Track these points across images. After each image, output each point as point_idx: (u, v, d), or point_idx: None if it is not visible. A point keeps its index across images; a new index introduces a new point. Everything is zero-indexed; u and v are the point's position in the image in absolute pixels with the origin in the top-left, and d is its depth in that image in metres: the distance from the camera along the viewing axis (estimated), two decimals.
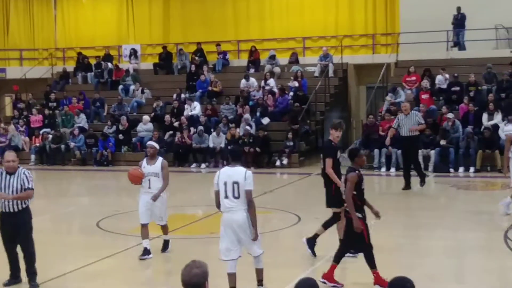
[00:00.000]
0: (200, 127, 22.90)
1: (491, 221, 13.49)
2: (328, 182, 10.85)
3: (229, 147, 21.84)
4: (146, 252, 10.43)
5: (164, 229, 10.93)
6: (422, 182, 17.14)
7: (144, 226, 10.59)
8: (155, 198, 10.29)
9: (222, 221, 8.52)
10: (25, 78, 28.65)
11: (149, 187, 10.50)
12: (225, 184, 8.37)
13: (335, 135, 10.72)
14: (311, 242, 10.78)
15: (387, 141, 18.35)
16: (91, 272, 10.17)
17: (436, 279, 9.40)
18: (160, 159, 10.75)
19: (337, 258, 9.16)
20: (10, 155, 8.82)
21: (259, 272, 8.79)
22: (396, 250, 11.61)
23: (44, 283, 9.27)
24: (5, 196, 8.53)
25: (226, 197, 8.37)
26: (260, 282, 8.75)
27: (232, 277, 8.50)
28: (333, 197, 10.64)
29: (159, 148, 11.68)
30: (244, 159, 21.67)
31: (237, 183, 8.29)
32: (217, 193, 8.50)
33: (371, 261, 8.91)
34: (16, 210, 8.64)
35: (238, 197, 8.32)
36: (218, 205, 8.56)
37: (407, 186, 17.30)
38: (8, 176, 8.65)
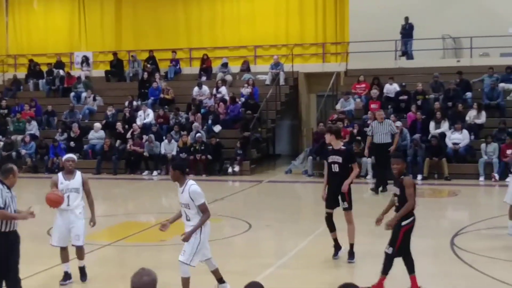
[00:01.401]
0: (151, 135, 22.77)
1: (438, 227, 13.66)
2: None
3: (180, 155, 21.80)
4: (67, 276, 9.61)
5: (79, 252, 9.74)
6: (384, 189, 17.68)
7: (64, 249, 9.63)
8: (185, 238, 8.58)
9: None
10: None
11: (68, 205, 9.42)
12: None
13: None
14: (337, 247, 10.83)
15: (366, 152, 18.71)
16: (41, 282, 9.97)
17: (386, 283, 9.41)
18: (78, 173, 9.77)
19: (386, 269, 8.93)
20: None
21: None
22: (346, 258, 11.64)
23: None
24: None
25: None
26: None
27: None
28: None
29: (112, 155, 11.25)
30: (196, 166, 21.70)
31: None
32: None
33: (387, 268, 8.88)
34: None
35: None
36: None
37: (377, 187, 17.92)
38: None
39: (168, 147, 22.37)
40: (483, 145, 19.91)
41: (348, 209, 10.64)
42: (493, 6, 24.84)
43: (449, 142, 20.34)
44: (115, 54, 28.05)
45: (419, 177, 19.96)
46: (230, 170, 21.87)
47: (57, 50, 29.31)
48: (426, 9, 25.13)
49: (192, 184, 8.41)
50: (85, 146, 23.70)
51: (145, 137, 22.93)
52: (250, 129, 22.81)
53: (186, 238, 8.41)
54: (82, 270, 9.75)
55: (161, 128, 23.47)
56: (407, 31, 25.06)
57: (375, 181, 18.40)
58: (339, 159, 10.46)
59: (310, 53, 27.27)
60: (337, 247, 10.78)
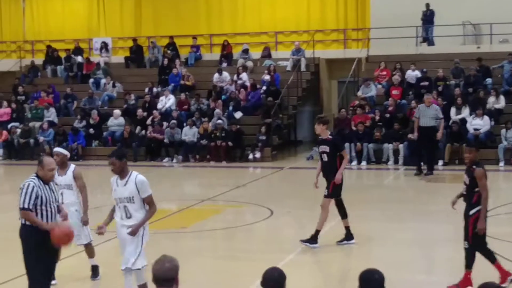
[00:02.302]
0: (173, 121, 22.86)
1: (459, 213, 13.72)
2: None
3: (201, 141, 21.93)
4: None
5: (87, 250, 9.37)
6: (430, 172, 18.23)
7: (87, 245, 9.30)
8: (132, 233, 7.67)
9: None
10: None
11: (62, 202, 8.60)
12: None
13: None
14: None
15: (415, 135, 18.67)
16: (63, 267, 10.15)
17: (406, 269, 9.56)
18: (72, 167, 9.15)
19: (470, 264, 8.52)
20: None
21: None
22: (369, 241, 11.76)
23: (9, 281, 9.23)
24: None
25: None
26: None
27: None
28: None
29: (67, 154, 9.54)
30: (216, 153, 21.85)
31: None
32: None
33: (470, 262, 8.48)
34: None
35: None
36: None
37: (419, 171, 18.43)
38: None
39: (190, 132, 22.43)
40: (503, 131, 19.95)
41: (328, 196, 10.79)
42: None
43: (470, 127, 20.34)
44: (134, 40, 28.07)
45: (440, 162, 20.00)
46: (251, 156, 21.91)
47: (76, 36, 29.28)
48: None
49: (137, 174, 7.64)
50: (105, 133, 23.76)
51: (165, 123, 23.09)
52: (272, 115, 22.86)
53: (133, 231, 7.55)
54: (93, 269, 9.39)
55: (181, 114, 23.57)
56: (428, 17, 25.01)
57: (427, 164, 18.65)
58: (326, 148, 10.75)
59: (331, 39, 27.24)
60: (349, 236, 10.97)
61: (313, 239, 10.65)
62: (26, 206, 6.93)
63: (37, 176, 7.09)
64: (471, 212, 8.39)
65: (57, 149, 9.39)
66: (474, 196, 8.35)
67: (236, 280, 9.45)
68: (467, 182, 8.45)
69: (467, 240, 8.42)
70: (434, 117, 18.31)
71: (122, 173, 7.59)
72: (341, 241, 10.88)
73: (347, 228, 10.89)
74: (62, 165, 9.00)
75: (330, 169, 10.71)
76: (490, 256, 8.55)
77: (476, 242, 8.38)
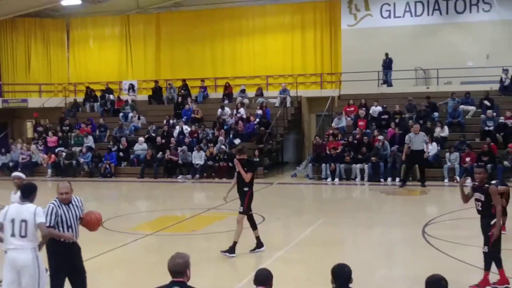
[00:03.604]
0: (185, 146, 22.91)
1: (413, 220, 13.70)
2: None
3: (207, 162, 21.86)
4: None
5: None
6: (423, 184, 18.48)
7: None
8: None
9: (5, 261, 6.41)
10: (43, 107, 28.39)
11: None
12: (13, 221, 6.33)
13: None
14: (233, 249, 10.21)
15: (403, 157, 18.96)
16: (97, 263, 10.13)
17: (372, 266, 9.54)
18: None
19: (488, 266, 8.09)
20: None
21: None
22: (342, 242, 11.76)
23: None
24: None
25: (13, 235, 6.32)
26: None
27: None
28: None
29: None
30: (220, 172, 21.81)
31: (25, 221, 6.31)
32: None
33: (489, 263, 8.07)
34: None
35: (25, 236, 6.32)
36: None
37: (404, 184, 18.77)
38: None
39: (198, 156, 22.45)
40: (447, 154, 19.96)
41: (242, 213, 10.20)
42: (455, 44, 24.95)
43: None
44: (155, 82, 28.13)
45: (397, 179, 19.98)
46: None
47: (109, 79, 29.28)
48: (402, 47, 25.21)
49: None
50: (131, 156, 23.68)
51: (179, 148, 23.09)
52: (263, 141, 22.87)
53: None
54: None
55: (192, 141, 23.60)
56: (387, 64, 25.13)
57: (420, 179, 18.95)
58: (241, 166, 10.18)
59: (311, 81, 27.31)
60: (259, 244, 10.41)
61: (231, 250, 10.11)
62: (48, 224, 6.47)
63: (57, 198, 6.69)
64: (492, 222, 7.89)
65: (16, 174, 8.57)
66: (492, 209, 7.89)
67: (236, 272, 9.44)
68: (482, 199, 7.96)
69: (487, 245, 7.95)
70: (423, 141, 18.69)
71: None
72: (253, 249, 10.34)
73: (258, 238, 10.35)
74: (18, 186, 8.03)
75: (242, 183, 10.19)
76: (500, 261, 8.06)
77: (494, 247, 7.94)
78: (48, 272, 6.72)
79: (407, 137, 18.97)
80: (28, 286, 6.25)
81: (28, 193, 6.48)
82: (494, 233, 7.88)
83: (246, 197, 10.16)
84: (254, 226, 10.39)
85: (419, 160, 18.86)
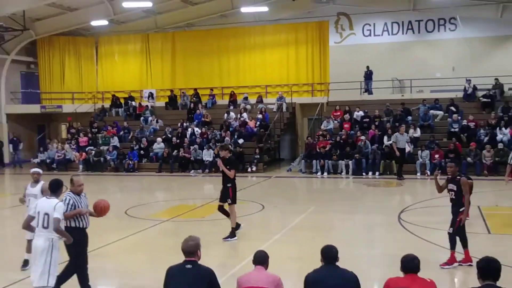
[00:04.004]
0: (196, 145, 22.92)
1: (390, 208, 13.73)
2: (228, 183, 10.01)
3: (216, 159, 21.87)
4: (25, 263, 8.17)
5: (29, 246, 7.77)
6: (401, 177, 18.44)
7: (29, 242, 7.68)
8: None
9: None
10: (75, 112, 28.39)
11: (27, 206, 7.98)
12: (39, 214, 6.24)
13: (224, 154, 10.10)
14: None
15: (397, 153, 18.75)
16: (122, 245, 10.16)
17: (355, 246, 9.55)
18: (41, 182, 8.15)
19: (464, 243, 8.05)
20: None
21: None
22: (330, 226, 11.77)
23: (90, 251, 9.17)
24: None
25: (38, 225, 6.25)
26: None
27: None
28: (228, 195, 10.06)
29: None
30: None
31: (47, 214, 6.17)
32: (29, 218, 6.42)
33: (453, 243, 8.00)
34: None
35: (47, 227, 6.17)
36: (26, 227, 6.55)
37: (400, 177, 18.49)
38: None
39: (207, 154, 22.47)
40: (419, 152, 19.97)
41: (231, 203, 10.01)
42: (425, 58, 24.99)
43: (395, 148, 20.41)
44: (171, 91, 28.09)
45: (377, 173, 20.01)
46: (249, 169, 21.88)
47: (131, 88, 29.21)
48: (380, 61, 25.21)
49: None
50: (151, 153, 23.65)
51: (191, 147, 23.10)
52: (263, 141, 22.91)
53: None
54: (25, 261, 8.17)
55: (202, 141, 23.61)
56: (368, 75, 25.13)
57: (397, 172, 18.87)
58: (226, 165, 10.03)
59: (303, 90, 27.26)
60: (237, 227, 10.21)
61: (231, 235, 10.06)
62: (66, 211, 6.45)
63: (71, 191, 6.70)
64: (460, 209, 7.88)
65: (34, 169, 8.41)
66: (462, 198, 7.84)
67: (239, 253, 9.44)
68: (455, 189, 7.91)
69: (452, 227, 7.92)
70: (406, 141, 18.80)
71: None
72: (226, 237, 10.06)
73: (233, 228, 10.11)
74: (36, 180, 8.20)
75: (226, 180, 9.99)
76: (465, 242, 8.04)
77: (458, 230, 7.93)
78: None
79: (393, 136, 18.93)
80: (37, 269, 6.12)
81: (56, 188, 6.39)
82: (462, 218, 7.88)
83: (230, 191, 10.00)
84: (228, 215, 10.19)
85: (402, 156, 18.80)
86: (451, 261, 8.01)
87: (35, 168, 8.62)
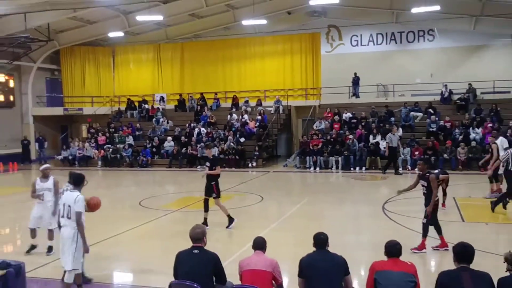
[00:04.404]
0: (202, 144, 22.90)
1: (375, 199, 13.74)
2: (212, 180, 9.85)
3: (220, 156, 21.86)
4: (32, 247, 8.27)
5: (50, 234, 8.10)
6: (384, 172, 18.34)
7: (32, 231, 8.24)
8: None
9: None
10: (95, 114, 28.38)
11: (42, 199, 8.12)
12: (64, 205, 6.23)
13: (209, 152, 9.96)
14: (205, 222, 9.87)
15: (386, 152, 18.78)
16: (136, 233, 10.15)
17: (344, 233, 9.54)
18: (52, 177, 8.25)
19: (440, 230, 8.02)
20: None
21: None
22: (322, 215, 11.77)
23: (105, 240, 9.19)
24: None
25: (63, 216, 6.23)
26: None
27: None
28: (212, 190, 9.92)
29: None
30: (229, 163, 21.79)
31: (70, 206, 6.17)
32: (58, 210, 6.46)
33: (425, 231, 7.96)
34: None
35: (70, 218, 6.16)
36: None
37: (397, 172, 18.36)
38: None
39: (213, 151, 22.34)
40: (401, 149, 19.95)
41: (216, 197, 9.87)
42: (407, 66, 25.07)
43: (381, 147, 20.43)
44: (180, 95, 28.05)
45: (364, 168, 20.00)
46: (250, 165, 21.88)
47: (144, 92, 29.24)
48: (366, 68, 25.29)
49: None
50: (162, 151, 23.64)
51: (198, 145, 23.07)
52: (262, 140, 22.89)
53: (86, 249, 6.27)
54: (49, 248, 8.16)
55: (208, 139, 23.59)
56: (355, 80, 25.15)
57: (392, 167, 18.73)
58: (208, 163, 9.98)
59: (298, 94, 27.23)
60: (205, 223, 9.82)
61: (230, 222, 10.00)
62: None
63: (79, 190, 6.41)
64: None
65: (45, 166, 8.43)
66: (431, 193, 7.84)
67: (241, 239, 9.43)
68: (425, 185, 7.89)
69: (426, 218, 7.90)
70: (397, 140, 18.58)
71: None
72: (205, 223, 9.72)
73: (206, 219, 9.93)
74: (46, 176, 8.23)
75: (210, 178, 9.84)
76: (439, 230, 8.05)
77: (432, 219, 7.94)
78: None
79: (387, 137, 18.83)
80: (65, 255, 6.13)
81: (79, 182, 6.32)
82: (428, 210, 7.90)
83: (213, 188, 9.88)
84: (207, 208, 10.03)
85: (393, 154, 18.61)
86: (421, 247, 8.01)
87: (45, 164, 8.56)
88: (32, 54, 26.37)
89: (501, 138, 13.09)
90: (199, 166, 22.40)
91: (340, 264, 4.78)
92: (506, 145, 13.15)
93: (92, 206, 6.75)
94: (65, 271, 6.21)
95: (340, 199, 13.90)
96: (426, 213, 7.98)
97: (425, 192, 8.01)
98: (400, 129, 21.33)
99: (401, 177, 18.82)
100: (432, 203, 7.89)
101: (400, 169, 19.52)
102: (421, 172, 8.07)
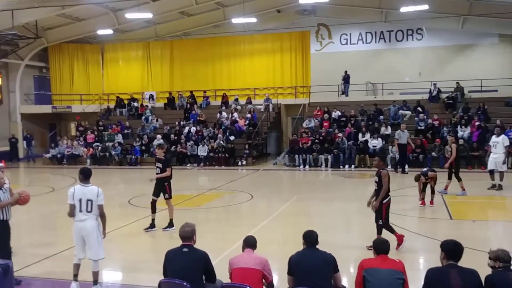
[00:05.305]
0: (192, 142, 22.84)
1: (364, 196, 13.73)
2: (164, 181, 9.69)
3: (210, 154, 21.81)
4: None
5: None
6: (403, 169, 17.89)
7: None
8: None
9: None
10: (83, 112, 28.17)
11: None
12: (80, 200, 6.28)
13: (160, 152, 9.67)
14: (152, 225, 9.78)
15: (396, 149, 18.45)
16: (126, 230, 10.09)
17: (334, 230, 9.59)
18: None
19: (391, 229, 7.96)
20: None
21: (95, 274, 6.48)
22: (310, 213, 11.80)
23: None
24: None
25: (81, 210, 6.29)
26: (95, 282, 6.49)
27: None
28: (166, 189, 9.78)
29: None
30: (219, 161, 21.78)
31: (91, 200, 6.28)
32: (72, 207, 6.30)
33: (386, 229, 7.92)
34: None
35: (91, 211, 6.31)
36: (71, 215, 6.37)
37: (403, 171, 17.91)
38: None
39: (202, 149, 22.41)
40: (390, 147, 20.06)
41: (168, 198, 9.75)
42: (395, 64, 25.15)
43: (370, 145, 20.53)
44: (169, 93, 27.96)
45: (353, 166, 20.09)
46: (239, 163, 21.89)
47: (134, 90, 29.08)
48: (356, 66, 25.30)
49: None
50: (151, 149, 23.41)
51: (188, 143, 23.01)
52: (252, 138, 22.90)
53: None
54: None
55: (198, 137, 23.53)
56: (345, 79, 25.19)
57: (397, 163, 18.49)
58: (159, 164, 9.76)
59: (288, 92, 27.30)
60: (153, 225, 9.80)
61: (170, 225, 9.73)
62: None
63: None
64: (384, 201, 7.88)
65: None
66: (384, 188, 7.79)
67: (231, 237, 9.42)
68: (377, 180, 7.92)
69: (381, 219, 7.87)
70: (407, 137, 18.20)
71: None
72: (147, 228, 9.73)
73: (153, 220, 9.74)
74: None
75: (160, 179, 9.65)
76: (391, 229, 8.01)
77: (386, 221, 7.91)
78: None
79: (396, 133, 18.56)
80: (93, 247, 6.30)
81: (89, 176, 6.47)
82: (375, 205, 7.83)
83: (166, 188, 9.72)
84: (154, 210, 9.83)
85: (404, 151, 18.28)
86: (400, 241, 7.96)
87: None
88: (19, 51, 26.06)
89: (503, 136, 13.82)
90: (189, 164, 22.36)
91: (329, 262, 4.80)
92: (507, 143, 13.53)
93: (22, 201, 6.62)
94: (75, 265, 6.38)
95: (329, 197, 13.95)
96: (378, 214, 7.88)
97: (376, 188, 7.95)
98: (389, 127, 21.49)
99: (390, 175, 18.98)
100: (379, 199, 7.82)
101: (389, 167, 19.58)
102: (376, 168, 8.08)
